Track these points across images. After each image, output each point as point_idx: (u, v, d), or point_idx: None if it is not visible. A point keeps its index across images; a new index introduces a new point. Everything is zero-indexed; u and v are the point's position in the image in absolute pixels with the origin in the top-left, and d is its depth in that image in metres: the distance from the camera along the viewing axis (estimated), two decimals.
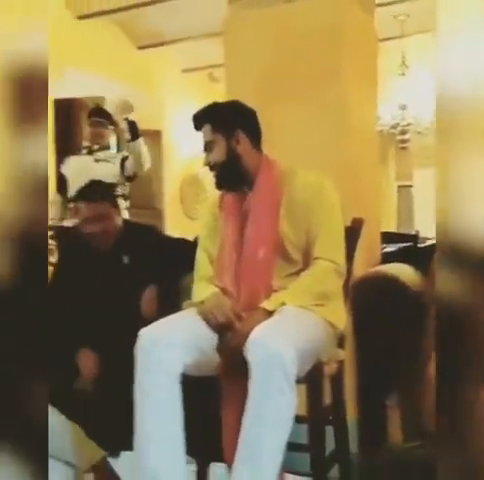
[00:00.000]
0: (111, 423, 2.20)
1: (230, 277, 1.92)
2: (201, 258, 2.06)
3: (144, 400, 1.72)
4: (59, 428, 1.93)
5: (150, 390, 1.72)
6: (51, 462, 1.83)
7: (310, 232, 1.90)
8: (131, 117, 3.80)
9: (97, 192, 2.53)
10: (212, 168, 2.01)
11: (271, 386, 1.59)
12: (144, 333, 1.77)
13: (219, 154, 1.97)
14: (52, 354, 2.26)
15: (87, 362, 2.30)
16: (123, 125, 3.77)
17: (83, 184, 2.63)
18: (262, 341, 1.63)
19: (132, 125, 3.76)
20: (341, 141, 2.49)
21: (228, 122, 1.97)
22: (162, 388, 1.71)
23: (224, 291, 1.91)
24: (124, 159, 3.80)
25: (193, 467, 2.05)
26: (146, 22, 5.72)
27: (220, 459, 1.82)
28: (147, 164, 3.84)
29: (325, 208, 1.92)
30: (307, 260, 1.91)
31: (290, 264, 1.92)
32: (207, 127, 1.98)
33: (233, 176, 1.98)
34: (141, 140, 3.80)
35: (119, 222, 2.56)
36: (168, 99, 6.60)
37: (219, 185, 2.03)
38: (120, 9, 5.21)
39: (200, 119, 2.01)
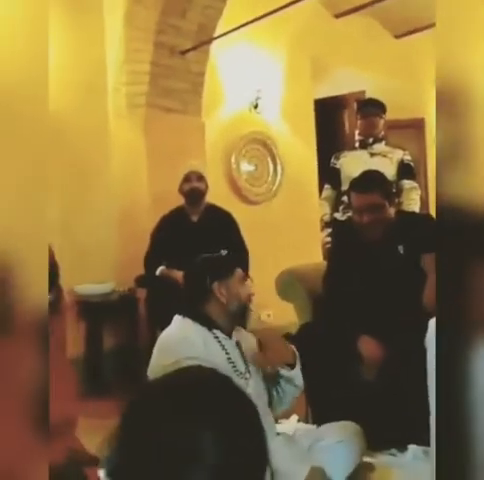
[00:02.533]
0: (396, 416, 2.19)
1: None
2: None
3: None
4: None
5: None
6: None
7: None
8: (407, 158, 3.73)
9: (369, 182, 2.52)
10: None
11: None
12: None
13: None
14: (331, 341, 2.39)
15: (371, 349, 2.31)
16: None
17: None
18: None
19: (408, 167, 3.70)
20: None
21: None
22: None
23: None
24: (402, 165, 3.67)
25: None
26: (401, 10, 5.59)
27: None
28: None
29: None
30: None
31: None
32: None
33: None
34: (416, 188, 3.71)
35: (392, 213, 2.52)
36: (431, 84, 6.37)
37: None
38: (376, 1, 5.20)
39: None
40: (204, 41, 3.98)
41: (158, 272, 3.37)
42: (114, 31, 3.95)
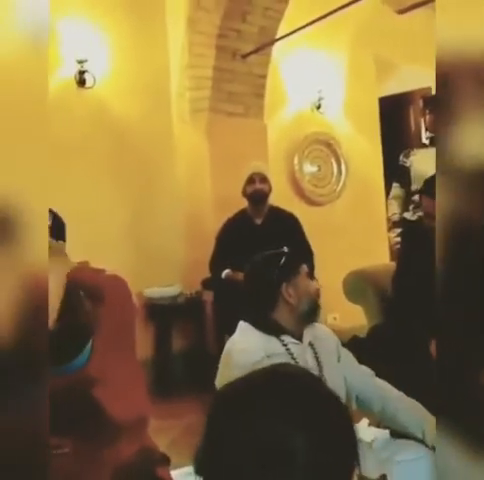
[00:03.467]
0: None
1: None
2: None
3: None
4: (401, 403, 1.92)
5: None
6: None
7: None
8: None
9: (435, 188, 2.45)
10: None
11: None
12: None
13: None
14: (403, 344, 2.33)
15: None
16: None
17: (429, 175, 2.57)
18: None
19: None
20: None
21: None
22: None
23: None
24: None
25: None
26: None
27: None
28: None
29: None
30: None
31: None
32: None
33: None
34: None
35: None
36: None
37: None
38: None
39: None
40: (265, 44, 3.99)
41: (224, 275, 3.39)
42: (177, 36, 4.01)
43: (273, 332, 1.79)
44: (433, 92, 4.71)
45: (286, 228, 3.45)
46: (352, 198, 4.97)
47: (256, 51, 3.95)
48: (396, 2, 5.27)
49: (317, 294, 1.88)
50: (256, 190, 3.44)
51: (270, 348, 1.76)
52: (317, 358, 1.85)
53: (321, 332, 1.92)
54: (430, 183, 2.47)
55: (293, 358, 1.78)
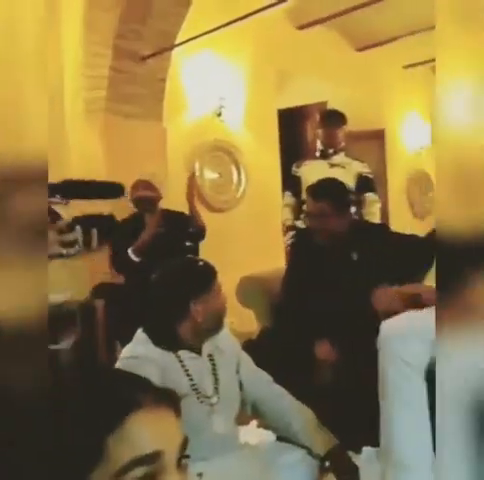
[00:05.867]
0: (351, 418, 2.20)
1: None
2: None
3: (392, 392, 1.69)
4: (296, 412, 1.95)
5: (396, 383, 1.68)
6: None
7: None
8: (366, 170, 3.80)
9: (321, 190, 2.56)
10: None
11: None
12: (389, 324, 1.74)
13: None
14: (288, 346, 2.38)
15: (324, 352, 2.34)
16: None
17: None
18: None
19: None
20: None
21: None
22: (411, 380, 1.67)
23: None
24: (360, 177, 3.76)
25: None
26: (363, 24, 5.69)
27: None
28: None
29: None
30: None
31: None
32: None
33: None
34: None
35: (342, 223, 2.55)
36: (391, 97, 6.49)
37: None
38: (338, 14, 5.28)
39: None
40: (165, 47, 3.97)
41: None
42: (73, 34, 3.90)
43: (171, 347, 1.72)
44: (329, 106, 4.88)
45: (177, 228, 3.46)
46: (251, 205, 5.04)
47: (155, 54, 3.92)
48: (297, 18, 5.43)
49: (224, 310, 1.81)
50: (138, 196, 3.40)
51: (164, 362, 1.69)
52: (214, 371, 1.80)
53: (222, 341, 1.87)
54: (312, 186, 2.59)
55: (188, 375, 1.73)
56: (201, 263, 1.80)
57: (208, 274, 1.77)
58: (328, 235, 2.52)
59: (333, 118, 3.82)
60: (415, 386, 1.66)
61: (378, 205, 3.79)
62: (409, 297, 1.84)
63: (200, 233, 3.54)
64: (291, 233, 3.72)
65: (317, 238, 2.56)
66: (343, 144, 3.80)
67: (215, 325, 1.78)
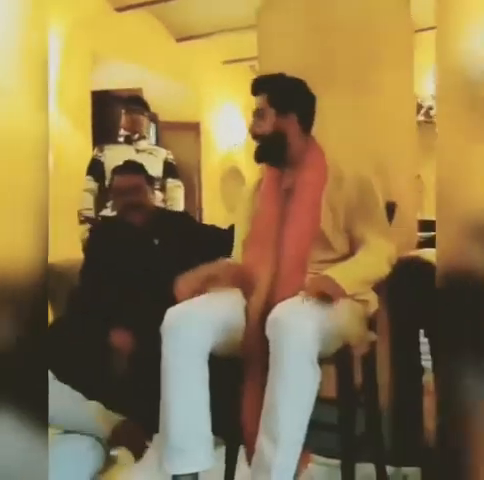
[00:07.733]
0: (146, 405, 2.20)
1: (266, 250, 1.89)
2: (237, 245, 2.08)
3: (170, 379, 1.72)
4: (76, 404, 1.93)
5: (177, 369, 1.71)
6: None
7: (353, 226, 1.89)
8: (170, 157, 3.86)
9: (133, 165, 2.68)
10: (255, 138, 1.97)
11: (291, 363, 1.57)
12: (172, 311, 1.76)
13: (265, 127, 1.93)
14: (87, 334, 2.32)
15: (120, 340, 2.31)
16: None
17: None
18: (282, 317, 1.61)
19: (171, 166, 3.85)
20: (379, 129, 2.44)
21: (285, 100, 1.93)
22: (189, 367, 1.70)
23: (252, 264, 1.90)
24: (167, 163, 3.83)
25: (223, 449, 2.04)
26: (185, 14, 5.73)
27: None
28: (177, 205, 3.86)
29: (371, 206, 1.91)
30: (346, 249, 1.90)
31: (326, 250, 1.88)
32: (263, 96, 1.94)
33: (275, 151, 1.95)
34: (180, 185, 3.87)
35: (152, 198, 2.67)
36: (208, 91, 6.61)
37: (259, 157, 1.99)
38: (159, 0, 5.24)
39: (259, 86, 1.96)
40: None
41: None
42: None
43: None
44: (144, 94, 4.83)
45: None
46: (61, 190, 4.81)
47: None
48: (116, 0, 5.29)
49: None
50: None
51: None
52: None
53: None
54: (120, 165, 2.73)
55: None
56: None
57: None
58: (141, 211, 2.57)
59: (135, 104, 3.84)
60: (192, 371, 1.71)
61: (182, 191, 3.88)
62: (207, 278, 1.89)
63: None
64: (87, 226, 3.62)
65: (127, 215, 2.57)
66: (148, 132, 3.90)
67: None
